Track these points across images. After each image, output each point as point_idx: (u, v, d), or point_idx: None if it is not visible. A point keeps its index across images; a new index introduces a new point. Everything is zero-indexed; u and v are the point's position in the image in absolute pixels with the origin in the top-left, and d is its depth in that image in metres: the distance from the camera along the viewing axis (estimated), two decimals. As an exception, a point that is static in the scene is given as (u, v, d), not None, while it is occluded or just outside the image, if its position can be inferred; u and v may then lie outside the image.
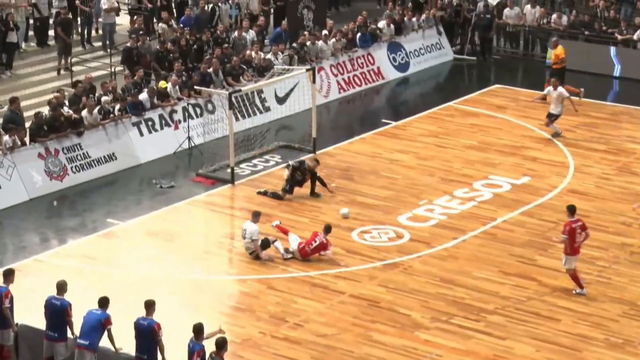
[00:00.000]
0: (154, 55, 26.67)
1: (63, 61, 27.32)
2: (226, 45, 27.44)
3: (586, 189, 22.52)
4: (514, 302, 17.73)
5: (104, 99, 24.01)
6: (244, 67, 26.71)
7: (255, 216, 19.32)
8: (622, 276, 18.66)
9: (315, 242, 19.09)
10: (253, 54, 27.29)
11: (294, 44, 28.42)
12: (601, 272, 18.78)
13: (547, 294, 17.98)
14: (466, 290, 18.09)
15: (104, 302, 14.83)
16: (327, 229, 19.34)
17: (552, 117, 25.30)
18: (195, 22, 28.90)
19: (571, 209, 18.06)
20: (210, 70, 25.92)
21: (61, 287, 15.07)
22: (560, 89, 25.41)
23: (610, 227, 20.64)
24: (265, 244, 19.07)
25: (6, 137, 21.77)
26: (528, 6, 32.60)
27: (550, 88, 25.60)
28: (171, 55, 26.56)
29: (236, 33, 28.45)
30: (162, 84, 25.10)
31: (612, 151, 24.77)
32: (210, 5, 30.08)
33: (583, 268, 18.77)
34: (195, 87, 25.33)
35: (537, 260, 19.21)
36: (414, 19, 31.92)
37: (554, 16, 32.13)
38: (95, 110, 23.30)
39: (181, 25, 28.30)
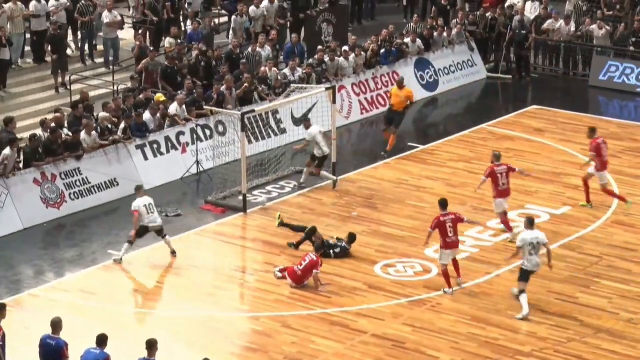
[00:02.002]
0: (162, 73, 26.85)
1: (60, 79, 27.53)
2: (244, 61, 27.61)
3: (632, 220, 22.44)
4: (552, 343, 17.65)
5: (101, 115, 24.13)
6: (258, 84, 26.83)
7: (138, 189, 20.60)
8: (673, 316, 18.57)
9: (305, 261, 19.22)
10: (267, 70, 27.43)
11: (311, 60, 28.55)
12: (650, 312, 18.70)
13: (589, 336, 17.90)
14: (500, 330, 18.03)
15: (102, 340, 14.87)
16: (318, 248, 19.51)
17: None
18: (204, 37, 29.11)
19: (442, 203, 19.38)
20: (223, 88, 26.07)
21: (56, 325, 15.13)
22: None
23: (660, 261, 20.57)
24: None
25: (7, 151, 21.83)
26: (562, 22, 32.58)
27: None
28: (180, 72, 26.73)
29: (250, 49, 28.62)
30: (158, 96, 25.21)
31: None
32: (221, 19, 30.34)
33: (630, 306, 18.69)
34: (205, 106, 25.47)
35: (578, 298, 19.13)
36: (444, 34, 32.01)
37: (595, 27, 32.13)
38: (94, 132, 23.44)
39: (187, 41, 28.46)
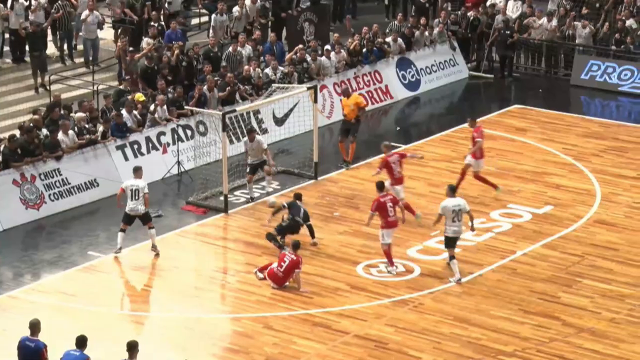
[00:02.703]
0: (141, 73, 26.81)
1: (39, 79, 27.45)
2: (223, 64, 27.58)
3: (615, 219, 22.54)
4: (535, 343, 17.71)
5: (77, 115, 24.05)
6: (241, 84, 26.82)
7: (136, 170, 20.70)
8: (655, 315, 18.67)
9: (285, 262, 19.17)
10: (251, 70, 27.40)
11: (293, 57, 28.54)
12: (631, 311, 18.76)
13: (571, 335, 17.97)
14: (483, 330, 18.08)
15: (82, 342, 14.82)
16: (295, 246, 19.46)
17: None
18: (183, 36, 29.09)
19: (379, 186, 20.22)
20: (205, 88, 26.05)
21: (34, 326, 15.08)
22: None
23: (642, 261, 20.68)
24: None
25: None
26: (544, 19, 32.69)
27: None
28: (160, 72, 26.69)
29: (231, 48, 28.60)
30: (138, 96, 25.17)
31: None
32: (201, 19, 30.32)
33: (611, 306, 18.78)
34: (186, 106, 25.45)
35: (560, 298, 19.21)
36: (425, 33, 32.07)
37: (579, 24, 32.25)
38: (71, 131, 23.37)
39: (165, 40, 28.41)
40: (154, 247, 20.64)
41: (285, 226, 20.91)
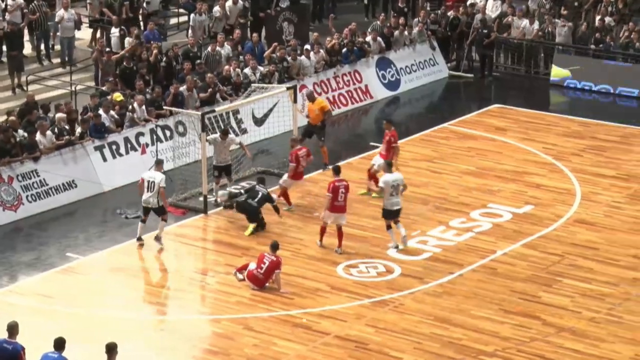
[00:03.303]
0: (120, 73, 26.75)
1: (16, 80, 27.34)
2: (199, 61, 27.56)
3: (594, 219, 22.66)
4: (515, 343, 17.77)
5: (57, 115, 23.96)
6: (221, 84, 26.79)
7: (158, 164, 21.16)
8: (635, 314, 18.74)
9: (265, 263, 19.17)
10: (231, 70, 27.37)
11: (272, 56, 28.54)
12: (611, 310, 18.86)
13: (552, 335, 18.04)
14: (463, 330, 18.13)
15: (60, 344, 14.77)
16: (274, 247, 19.45)
17: None
18: (160, 37, 29.05)
19: (335, 169, 21.21)
20: (184, 88, 26.02)
21: (12, 329, 15.02)
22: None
23: (621, 260, 20.75)
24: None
25: None
26: (526, 21, 32.80)
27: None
28: (138, 72, 26.64)
29: (210, 48, 28.58)
30: (116, 95, 25.10)
31: (623, 177, 24.95)
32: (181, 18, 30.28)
33: (592, 305, 18.88)
34: (165, 107, 25.40)
35: (541, 297, 19.29)
36: (405, 32, 32.13)
37: (559, 22, 32.37)
38: (49, 132, 23.29)
39: (144, 39, 28.38)
40: (157, 239, 20.89)
41: (240, 204, 21.71)
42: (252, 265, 19.46)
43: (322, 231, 21.03)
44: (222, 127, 26.06)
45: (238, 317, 18.47)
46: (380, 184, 21.00)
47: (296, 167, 22.72)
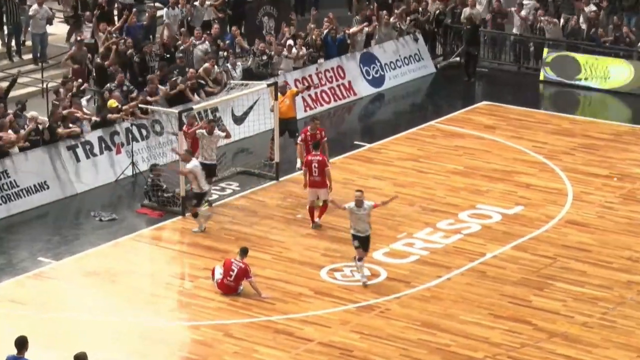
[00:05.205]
0: (96, 70, 26.64)
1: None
2: (181, 55, 27.44)
3: (586, 220, 22.66)
4: (506, 349, 17.75)
5: (30, 114, 23.76)
6: (202, 82, 26.72)
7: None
8: (629, 319, 18.75)
9: (233, 271, 19.06)
10: (210, 66, 27.22)
11: (253, 49, 28.47)
12: (604, 315, 18.86)
13: (543, 340, 18.03)
14: (452, 336, 18.09)
15: (22, 343, 14.17)
16: (243, 252, 19.29)
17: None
18: (142, 31, 28.94)
19: (314, 145, 22.20)
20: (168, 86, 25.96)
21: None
22: None
23: (615, 262, 20.76)
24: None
25: None
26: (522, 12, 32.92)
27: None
28: (110, 68, 26.50)
29: (187, 43, 28.40)
30: (111, 102, 24.94)
31: (616, 176, 24.97)
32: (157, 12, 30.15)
33: (584, 309, 18.86)
34: (140, 105, 25.28)
35: (532, 301, 19.27)
36: (389, 27, 32.06)
37: (544, 19, 32.42)
38: (22, 130, 23.14)
39: (124, 34, 28.25)
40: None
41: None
42: (219, 273, 19.23)
43: (310, 212, 21.83)
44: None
45: (218, 323, 18.39)
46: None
47: (195, 147, 22.89)
